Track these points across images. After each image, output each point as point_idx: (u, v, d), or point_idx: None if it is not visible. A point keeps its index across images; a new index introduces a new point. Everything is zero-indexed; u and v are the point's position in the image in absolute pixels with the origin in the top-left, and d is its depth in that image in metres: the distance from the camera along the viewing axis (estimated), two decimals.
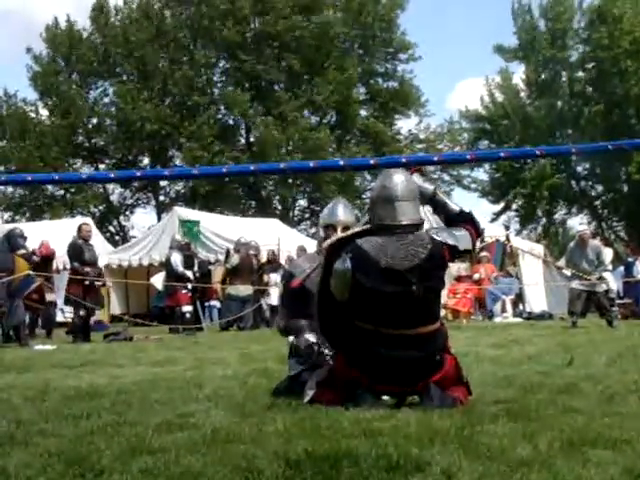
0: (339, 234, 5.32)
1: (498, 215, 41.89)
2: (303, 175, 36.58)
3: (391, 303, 4.72)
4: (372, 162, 3.22)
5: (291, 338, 5.54)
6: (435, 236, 4.92)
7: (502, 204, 42.22)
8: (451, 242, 4.90)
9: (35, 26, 65.10)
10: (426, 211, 5.98)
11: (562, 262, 15.52)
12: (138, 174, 3.29)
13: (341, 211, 5.66)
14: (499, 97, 41.46)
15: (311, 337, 5.32)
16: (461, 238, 4.93)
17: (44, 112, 39.96)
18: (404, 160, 3.22)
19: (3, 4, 57.91)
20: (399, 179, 4.91)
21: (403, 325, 4.73)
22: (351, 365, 4.77)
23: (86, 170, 40.94)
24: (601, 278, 14.05)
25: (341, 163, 3.31)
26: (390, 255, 4.74)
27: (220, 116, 40.17)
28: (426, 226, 5.15)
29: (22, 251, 13.26)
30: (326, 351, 5.20)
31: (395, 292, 4.70)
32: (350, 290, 4.81)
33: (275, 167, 3.22)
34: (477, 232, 5.04)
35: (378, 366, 4.71)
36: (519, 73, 41.62)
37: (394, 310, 4.72)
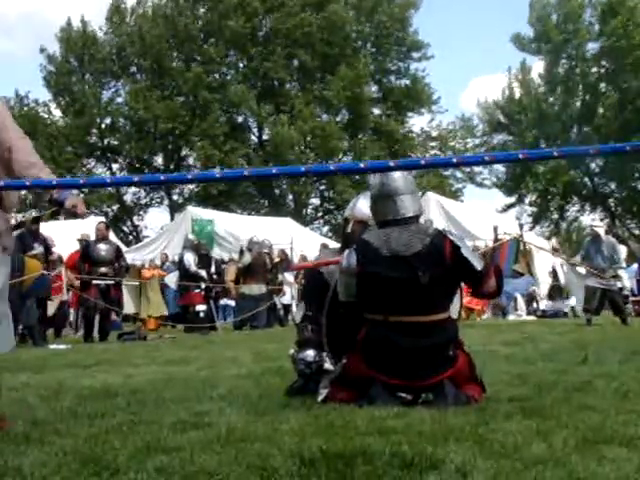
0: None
1: (509, 207, 41.92)
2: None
3: (398, 289, 4.74)
4: (392, 164, 3.22)
5: (291, 351, 5.50)
6: (442, 230, 4.97)
7: (515, 196, 42.27)
8: (454, 239, 4.86)
9: (52, 28, 65.44)
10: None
11: (577, 259, 15.45)
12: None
13: (359, 205, 5.60)
14: (517, 91, 41.51)
15: (311, 354, 5.24)
16: (470, 252, 4.87)
17: (57, 112, 40.16)
18: (423, 162, 3.20)
19: (20, 6, 58.29)
20: (397, 174, 4.94)
21: (411, 312, 4.73)
22: (364, 363, 4.77)
23: (100, 170, 41.11)
24: (616, 276, 13.99)
25: (362, 166, 3.30)
26: (394, 243, 4.80)
27: (230, 114, 40.20)
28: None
29: (34, 252, 13.22)
30: (326, 365, 5.14)
31: (401, 278, 4.73)
32: (358, 283, 4.84)
33: (296, 170, 3.22)
34: (495, 277, 4.89)
35: (390, 357, 4.70)
36: (535, 68, 41.73)
37: (401, 297, 4.73)
